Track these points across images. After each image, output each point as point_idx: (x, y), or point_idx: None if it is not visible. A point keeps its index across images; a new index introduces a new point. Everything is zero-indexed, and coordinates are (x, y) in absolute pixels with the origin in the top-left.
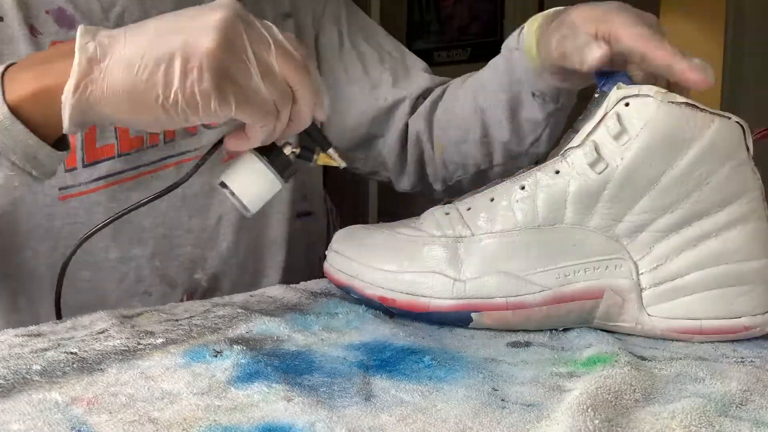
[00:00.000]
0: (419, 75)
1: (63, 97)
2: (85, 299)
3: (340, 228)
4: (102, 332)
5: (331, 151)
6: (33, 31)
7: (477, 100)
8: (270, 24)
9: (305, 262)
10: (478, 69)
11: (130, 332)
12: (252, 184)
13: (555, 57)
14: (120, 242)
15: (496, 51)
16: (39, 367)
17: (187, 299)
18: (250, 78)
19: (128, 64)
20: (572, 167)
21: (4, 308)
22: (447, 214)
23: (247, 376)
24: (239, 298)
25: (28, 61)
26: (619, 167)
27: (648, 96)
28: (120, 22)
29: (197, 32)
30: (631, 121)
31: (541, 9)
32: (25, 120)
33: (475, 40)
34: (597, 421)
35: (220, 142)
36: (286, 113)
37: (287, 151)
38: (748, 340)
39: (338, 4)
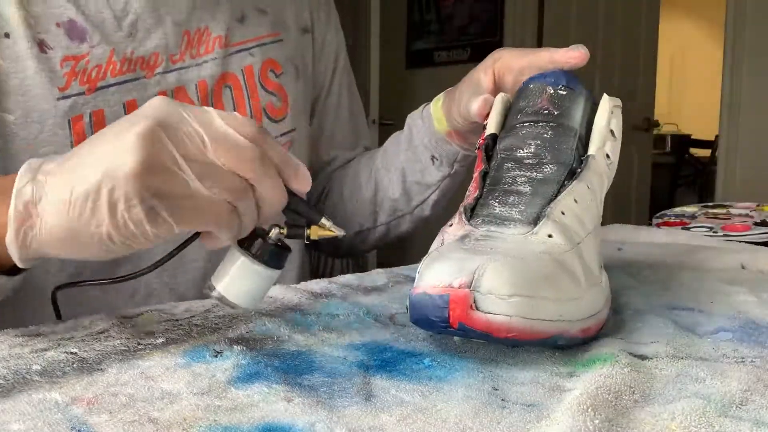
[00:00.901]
0: (361, 144)
1: (7, 243)
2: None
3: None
4: (102, 332)
5: (323, 221)
6: (43, 47)
7: (375, 162)
8: (207, 110)
9: (306, 264)
10: None
11: (130, 332)
12: (239, 283)
13: (460, 123)
14: (130, 258)
15: None
16: (39, 367)
17: None
18: (187, 187)
19: (59, 204)
20: (602, 170)
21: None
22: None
23: (248, 377)
24: None
25: None
26: (612, 164)
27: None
28: (133, 31)
29: (117, 156)
30: (617, 125)
31: (541, 9)
32: None
33: (475, 40)
34: (597, 421)
35: (197, 234)
36: (248, 205)
37: (273, 234)
38: (749, 339)
39: (342, 46)
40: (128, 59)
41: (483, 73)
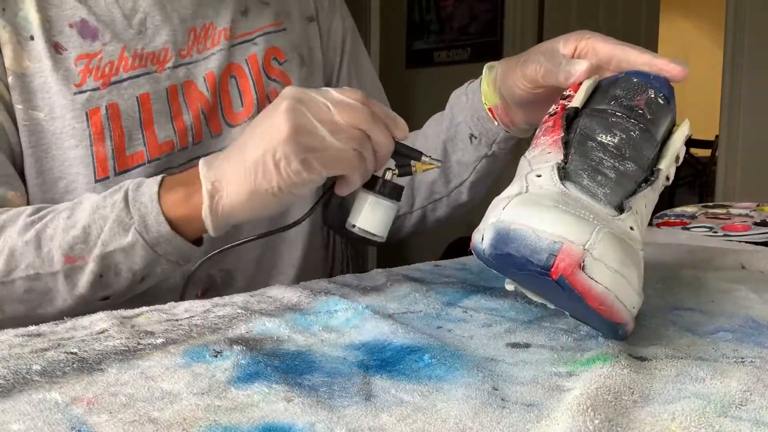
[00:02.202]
0: None
1: (203, 217)
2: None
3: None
4: (102, 332)
5: (424, 158)
6: (58, 48)
7: (414, 145)
8: (324, 89)
9: (321, 261)
10: (478, 69)
11: (130, 332)
12: (373, 216)
13: (521, 89)
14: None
15: (495, 51)
16: (39, 367)
17: (202, 294)
18: (325, 141)
19: (238, 174)
20: (659, 188)
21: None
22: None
23: (247, 377)
24: (239, 298)
25: (171, 183)
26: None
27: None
28: (142, 29)
29: (272, 128)
30: (683, 153)
31: (541, 9)
32: (179, 232)
33: (475, 40)
34: (597, 422)
35: (330, 189)
36: (368, 151)
37: (388, 176)
38: (749, 340)
39: (349, 32)
40: (139, 55)
41: (563, 44)
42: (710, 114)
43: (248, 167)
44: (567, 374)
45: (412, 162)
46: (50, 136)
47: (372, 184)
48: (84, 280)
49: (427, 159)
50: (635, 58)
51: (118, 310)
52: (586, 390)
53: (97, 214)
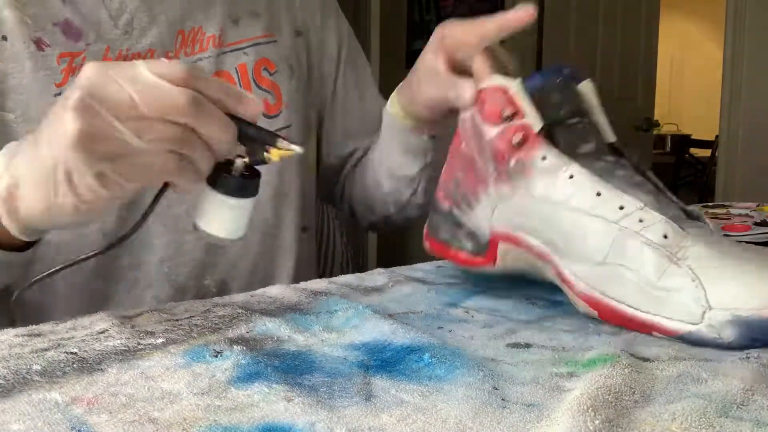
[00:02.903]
0: (380, 129)
1: (4, 222)
2: (99, 307)
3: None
4: (102, 332)
5: (280, 142)
6: (40, 45)
7: (374, 155)
8: (135, 64)
9: (315, 270)
10: None
11: (130, 332)
12: (218, 217)
13: (427, 113)
14: (131, 248)
15: None
16: (39, 367)
17: None
18: (128, 146)
19: (33, 183)
20: None
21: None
22: None
23: (248, 377)
24: (239, 298)
25: None
26: None
27: None
28: (129, 30)
29: (59, 133)
30: None
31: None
32: None
33: None
34: (597, 422)
35: (166, 185)
36: (194, 149)
37: (238, 164)
38: None
39: (344, 42)
40: (124, 55)
41: (433, 56)
42: (710, 114)
43: (40, 176)
44: (568, 374)
45: (267, 147)
46: (19, 138)
47: (214, 178)
48: None
49: (284, 144)
50: (490, 31)
51: (118, 311)
52: (586, 390)
53: None
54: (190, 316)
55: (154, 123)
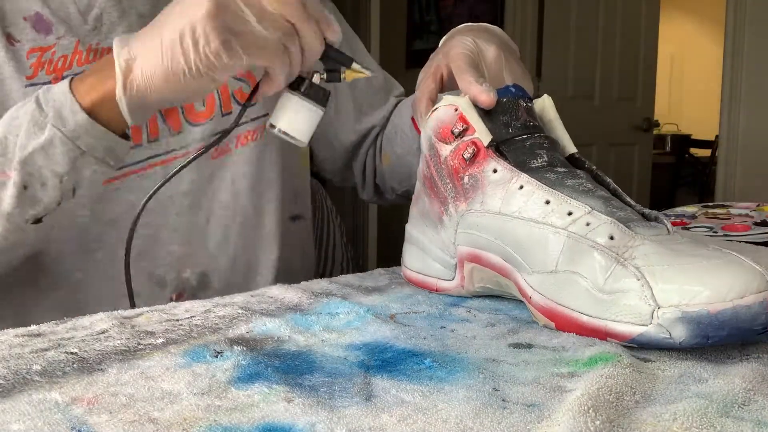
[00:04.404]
0: (391, 100)
1: (117, 98)
2: (81, 299)
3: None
4: (102, 332)
5: (354, 65)
6: (10, 40)
7: (401, 121)
8: None
9: (300, 262)
10: None
11: (130, 332)
12: (295, 118)
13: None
14: (107, 243)
15: None
16: (39, 367)
17: (177, 298)
18: (250, 26)
19: (154, 54)
20: None
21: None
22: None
23: (248, 377)
24: (240, 298)
25: (85, 73)
26: None
27: None
28: (98, 25)
29: (193, 6)
30: None
31: (541, 9)
32: (97, 121)
33: None
34: (598, 422)
35: (256, 87)
36: (295, 47)
37: (316, 79)
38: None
39: (349, 40)
40: (94, 50)
41: (424, 109)
42: (710, 114)
43: (165, 45)
44: (569, 375)
45: (342, 68)
46: None
47: (297, 85)
48: (8, 194)
49: (357, 66)
50: (461, 83)
51: (118, 311)
52: (587, 390)
53: (11, 125)
54: (191, 316)
55: (272, 14)
